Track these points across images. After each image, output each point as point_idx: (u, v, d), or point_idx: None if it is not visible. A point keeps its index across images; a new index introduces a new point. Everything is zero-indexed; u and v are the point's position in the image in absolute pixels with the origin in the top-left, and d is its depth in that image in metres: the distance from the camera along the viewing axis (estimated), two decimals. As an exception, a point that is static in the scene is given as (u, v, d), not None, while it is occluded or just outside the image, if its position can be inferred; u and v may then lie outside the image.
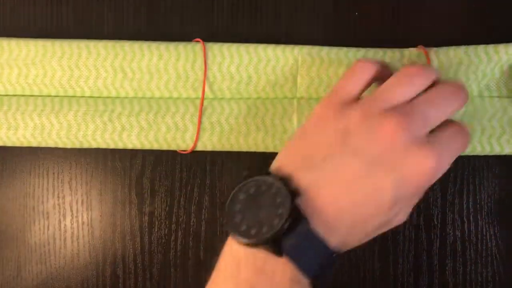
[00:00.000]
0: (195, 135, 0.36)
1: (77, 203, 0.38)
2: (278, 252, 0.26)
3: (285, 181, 0.27)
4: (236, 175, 0.38)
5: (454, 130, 0.29)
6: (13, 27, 0.39)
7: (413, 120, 0.27)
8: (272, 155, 0.33)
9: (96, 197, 0.38)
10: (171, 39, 0.37)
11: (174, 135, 0.36)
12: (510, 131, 0.35)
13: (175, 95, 0.37)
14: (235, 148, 0.36)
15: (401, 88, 0.28)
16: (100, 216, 0.38)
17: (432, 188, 0.37)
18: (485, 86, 0.36)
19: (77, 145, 0.37)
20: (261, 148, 0.36)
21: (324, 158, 0.28)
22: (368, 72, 0.30)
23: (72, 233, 0.38)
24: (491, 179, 0.37)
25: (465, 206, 0.37)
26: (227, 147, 0.36)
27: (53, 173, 0.38)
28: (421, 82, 0.29)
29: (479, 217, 0.37)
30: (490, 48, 0.35)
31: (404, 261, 0.37)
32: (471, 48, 0.36)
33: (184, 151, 0.37)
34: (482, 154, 0.36)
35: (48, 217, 0.38)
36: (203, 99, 0.36)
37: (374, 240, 0.37)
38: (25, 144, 0.37)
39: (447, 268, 0.37)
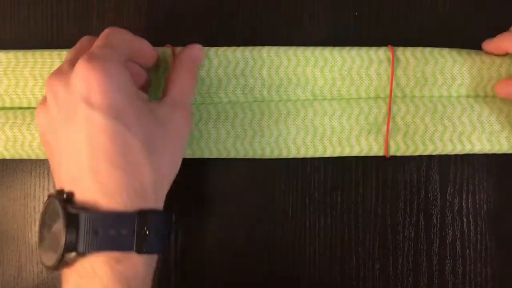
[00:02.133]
0: None
1: (77, 203, 0.38)
2: (78, 255, 0.27)
3: (57, 193, 0.28)
4: (236, 175, 0.38)
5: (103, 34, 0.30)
6: (12, 26, 0.39)
7: (56, 70, 0.29)
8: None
9: (97, 197, 0.38)
10: (173, 41, 0.37)
11: None
12: (481, 128, 0.35)
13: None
14: (206, 155, 0.36)
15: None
16: (101, 216, 0.38)
17: (431, 188, 0.38)
18: (456, 91, 0.36)
19: None
20: (231, 155, 0.36)
21: (56, 153, 0.29)
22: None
23: (73, 233, 0.38)
24: (491, 179, 0.37)
25: (464, 206, 0.38)
26: (197, 154, 0.36)
27: (54, 173, 0.38)
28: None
29: (478, 217, 0.37)
30: (454, 51, 0.36)
31: (403, 261, 0.37)
32: (437, 50, 0.36)
33: None
34: (453, 153, 0.36)
35: (48, 217, 0.38)
36: None
37: (374, 240, 0.37)
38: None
39: (446, 268, 0.37)
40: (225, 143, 0.36)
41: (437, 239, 0.37)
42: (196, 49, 0.34)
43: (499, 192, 0.37)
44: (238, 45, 0.37)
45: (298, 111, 0.36)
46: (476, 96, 0.36)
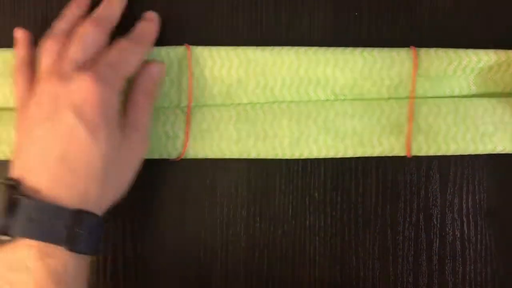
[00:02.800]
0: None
1: (77, 203, 0.38)
2: (9, 238, 0.28)
3: (5, 178, 0.30)
4: (236, 174, 0.38)
5: (111, 50, 0.32)
6: (12, 26, 0.39)
7: (54, 62, 0.32)
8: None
9: (97, 197, 0.38)
10: (172, 41, 0.37)
11: (165, 143, 0.36)
12: (503, 129, 0.35)
13: (166, 101, 0.37)
14: (227, 155, 0.36)
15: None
16: (101, 216, 0.38)
17: (431, 188, 0.38)
18: (473, 81, 0.36)
19: None
20: (252, 155, 0.36)
21: (21, 143, 0.31)
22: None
23: (73, 233, 0.38)
24: (491, 179, 0.37)
25: (464, 206, 0.38)
26: (218, 155, 0.36)
27: (54, 173, 0.38)
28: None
29: (478, 217, 0.37)
30: (480, 51, 0.36)
31: (403, 261, 0.37)
32: (461, 50, 0.36)
33: (175, 159, 0.36)
34: (475, 153, 0.36)
35: (48, 217, 0.38)
36: (190, 105, 0.36)
37: (374, 240, 0.37)
38: (8, 158, 0.36)
39: (446, 268, 0.37)
40: (246, 144, 0.36)
41: (437, 239, 0.37)
42: (154, 67, 0.35)
43: (499, 192, 0.38)
44: (238, 44, 0.37)
45: (319, 112, 0.36)
46: (494, 90, 0.37)
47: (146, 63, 0.35)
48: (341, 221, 0.38)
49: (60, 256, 0.29)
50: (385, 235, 0.37)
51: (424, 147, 0.36)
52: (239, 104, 0.37)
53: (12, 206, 0.28)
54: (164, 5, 0.38)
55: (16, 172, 0.30)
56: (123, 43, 0.33)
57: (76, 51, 0.32)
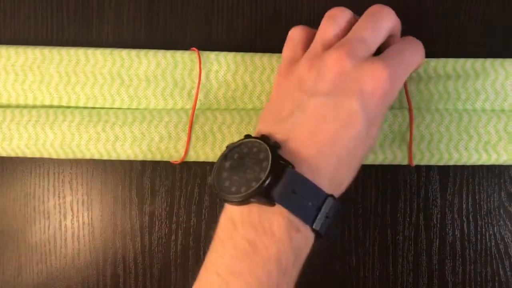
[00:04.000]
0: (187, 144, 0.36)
1: (77, 203, 0.38)
2: (269, 201, 0.27)
3: (264, 138, 0.29)
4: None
5: (400, 44, 0.31)
6: (13, 25, 0.39)
7: (351, 46, 0.30)
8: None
9: (97, 197, 0.38)
10: (170, 48, 0.37)
11: (167, 144, 0.36)
12: (508, 138, 0.35)
13: (170, 103, 0.37)
14: (210, 159, 0.36)
15: (334, 28, 0.32)
16: (101, 216, 0.38)
17: (431, 188, 0.38)
18: (481, 107, 0.36)
19: (71, 156, 0.36)
20: None
21: (291, 110, 0.30)
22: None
23: (73, 233, 0.38)
24: (491, 179, 0.37)
25: (464, 206, 0.38)
26: (201, 158, 0.36)
27: (54, 173, 0.38)
28: (347, 20, 0.32)
29: (478, 217, 0.37)
30: (478, 62, 0.36)
31: (403, 261, 0.37)
32: (460, 63, 0.36)
33: (176, 161, 0.37)
34: (479, 163, 0.36)
35: (48, 217, 0.38)
36: (194, 107, 0.36)
37: (374, 240, 0.37)
38: (20, 155, 0.37)
39: (446, 267, 0.37)
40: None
41: (437, 239, 0.37)
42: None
43: (499, 192, 0.38)
44: (238, 45, 0.37)
45: None
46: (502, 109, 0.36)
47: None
48: (341, 220, 0.38)
49: (304, 234, 0.28)
50: (385, 235, 0.37)
51: (427, 156, 0.36)
52: (243, 109, 0.37)
53: (277, 170, 0.28)
54: (164, 5, 0.38)
55: (276, 130, 0.30)
56: (402, 42, 0.32)
57: (367, 31, 0.30)
